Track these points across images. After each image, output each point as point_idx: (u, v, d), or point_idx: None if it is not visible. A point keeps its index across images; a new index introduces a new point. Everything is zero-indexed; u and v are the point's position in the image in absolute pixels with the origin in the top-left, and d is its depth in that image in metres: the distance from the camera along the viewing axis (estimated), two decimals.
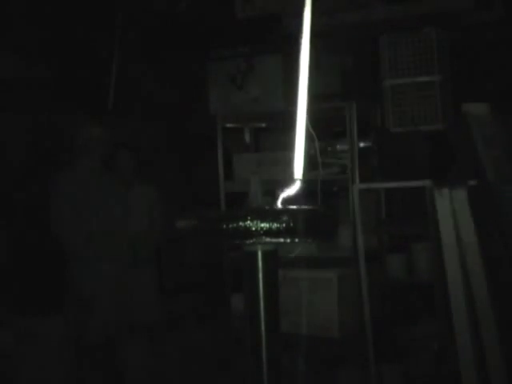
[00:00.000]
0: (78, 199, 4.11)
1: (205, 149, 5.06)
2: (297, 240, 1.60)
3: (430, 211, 3.71)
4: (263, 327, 1.63)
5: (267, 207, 1.64)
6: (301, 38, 1.74)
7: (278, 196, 1.64)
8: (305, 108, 1.72)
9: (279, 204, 1.63)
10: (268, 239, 1.58)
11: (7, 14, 4.56)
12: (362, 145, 4.49)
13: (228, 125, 4.85)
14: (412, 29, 4.23)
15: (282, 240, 1.60)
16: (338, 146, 4.48)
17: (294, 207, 1.61)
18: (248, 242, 1.60)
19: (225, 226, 1.58)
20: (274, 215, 1.57)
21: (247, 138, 5.11)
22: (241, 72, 4.56)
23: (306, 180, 1.69)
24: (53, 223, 4.09)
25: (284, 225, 1.55)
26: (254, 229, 1.55)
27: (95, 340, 4.07)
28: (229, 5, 4.47)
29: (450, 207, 3.50)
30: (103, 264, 4.11)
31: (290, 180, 1.68)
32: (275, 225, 1.55)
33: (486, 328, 3.40)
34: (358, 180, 4.28)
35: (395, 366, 4.16)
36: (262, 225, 1.55)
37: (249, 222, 1.55)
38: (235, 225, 1.57)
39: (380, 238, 4.56)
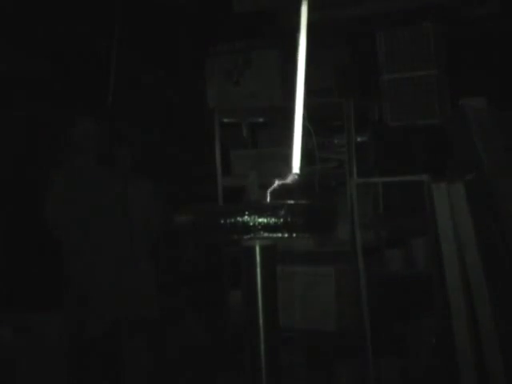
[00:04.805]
0: (75, 195, 4.10)
1: (202, 144, 5.05)
2: (295, 235, 1.60)
3: (428, 206, 3.71)
4: (261, 322, 1.63)
5: (265, 202, 1.64)
6: (298, 32, 1.73)
7: (276, 190, 1.64)
8: (302, 103, 1.72)
9: (269, 197, 1.63)
10: (266, 234, 1.58)
11: (4, 10, 4.55)
12: (359, 139, 4.49)
13: (226, 120, 4.84)
14: (409, 23, 4.23)
15: (280, 235, 1.60)
16: (336, 141, 4.48)
17: (292, 202, 1.61)
18: (246, 236, 1.60)
19: (223, 221, 1.58)
20: (272, 210, 1.57)
21: (245, 133, 5.10)
22: (238, 67, 4.55)
23: (303, 175, 1.69)
24: (50, 219, 4.09)
25: (282, 220, 1.55)
26: (251, 224, 1.56)
27: (93, 335, 4.07)
28: None
29: (448, 201, 3.50)
30: (101, 259, 4.10)
31: (287, 175, 1.68)
32: (273, 220, 1.55)
33: (484, 322, 3.41)
34: (355, 175, 4.28)
35: (393, 361, 4.17)
36: (260, 220, 1.55)
37: (247, 216, 1.55)
38: (233, 220, 1.57)
39: (378, 232, 4.57)
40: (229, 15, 4.50)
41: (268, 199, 1.65)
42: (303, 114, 1.73)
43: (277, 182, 1.66)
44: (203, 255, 5.21)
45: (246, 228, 1.57)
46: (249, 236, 1.59)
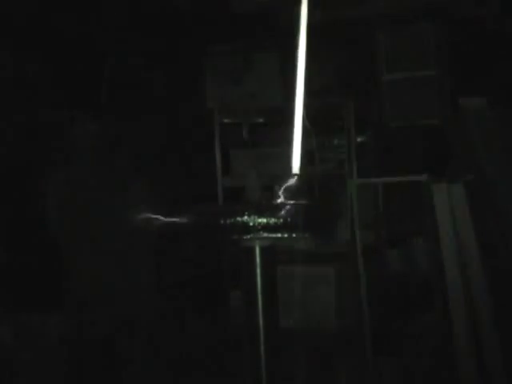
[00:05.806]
0: (75, 195, 4.10)
1: (203, 144, 5.05)
2: (295, 235, 1.60)
3: (428, 206, 3.71)
4: (261, 322, 1.63)
5: (265, 203, 1.65)
6: (298, 33, 1.74)
7: (277, 191, 1.64)
8: (302, 103, 1.72)
9: (278, 199, 1.63)
10: (266, 234, 1.58)
11: (2, 11, 4.55)
12: (359, 140, 4.49)
13: (226, 120, 4.84)
14: (409, 24, 4.23)
15: (280, 235, 1.60)
16: (336, 142, 4.48)
17: (292, 202, 1.61)
18: (246, 237, 1.60)
19: (223, 222, 1.58)
20: (272, 211, 1.57)
21: (245, 133, 5.10)
22: (238, 67, 4.55)
23: (303, 175, 1.69)
24: (50, 219, 4.08)
25: (282, 220, 1.56)
26: (251, 224, 1.56)
27: (93, 336, 4.07)
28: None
29: (448, 202, 3.51)
30: (101, 260, 4.10)
31: (287, 175, 1.68)
32: (273, 220, 1.55)
33: (483, 321, 3.41)
34: (355, 175, 4.29)
35: (393, 360, 4.17)
36: (260, 220, 1.55)
37: (246, 217, 1.56)
38: (233, 220, 1.57)
39: (378, 232, 4.57)
40: (229, 16, 4.50)
41: (267, 200, 1.66)
42: (303, 114, 1.73)
43: (277, 184, 1.66)
44: (203, 255, 5.21)
45: (246, 228, 1.57)
46: (249, 236, 1.59)
